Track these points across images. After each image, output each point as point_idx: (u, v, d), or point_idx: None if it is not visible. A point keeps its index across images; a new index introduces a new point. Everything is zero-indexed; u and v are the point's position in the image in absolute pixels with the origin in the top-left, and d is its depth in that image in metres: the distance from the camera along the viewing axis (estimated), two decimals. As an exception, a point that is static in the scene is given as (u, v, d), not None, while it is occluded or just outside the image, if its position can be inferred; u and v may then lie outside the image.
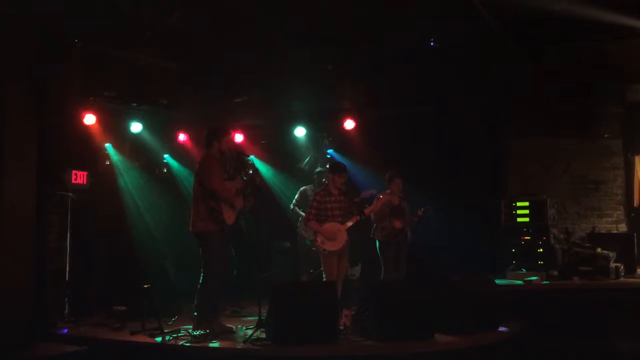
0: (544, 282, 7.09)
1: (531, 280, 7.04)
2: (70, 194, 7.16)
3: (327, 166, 8.63)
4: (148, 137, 8.78)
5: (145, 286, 6.36)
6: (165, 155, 9.31)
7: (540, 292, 6.87)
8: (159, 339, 5.72)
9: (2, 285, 5.89)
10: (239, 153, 6.70)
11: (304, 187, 8.38)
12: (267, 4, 6.13)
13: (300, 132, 9.45)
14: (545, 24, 6.64)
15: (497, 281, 6.79)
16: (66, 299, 6.87)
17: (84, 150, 7.76)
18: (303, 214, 7.75)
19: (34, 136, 6.33)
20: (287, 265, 8.85)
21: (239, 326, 5.79)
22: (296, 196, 8.31)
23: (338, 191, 6.66)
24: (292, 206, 8.37)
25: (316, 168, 8.83)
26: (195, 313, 5.95)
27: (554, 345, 5.93)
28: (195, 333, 5.70)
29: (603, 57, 7.61)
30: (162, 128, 8.96)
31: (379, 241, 7.43)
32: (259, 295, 6.07)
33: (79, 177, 7.27)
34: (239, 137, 9.32)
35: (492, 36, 6.70)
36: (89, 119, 7.70)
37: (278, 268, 8.70)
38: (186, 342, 5.55)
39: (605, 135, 8.26)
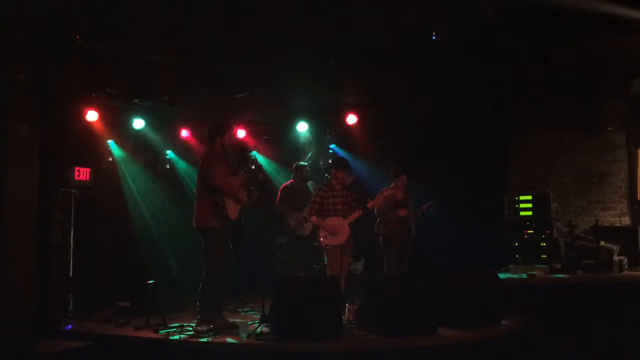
0: (548, 276, 7.08)
1: (534, 274, 7.04)
2: (74, 191, 7.18)
3: (330, 161, 8.64)
4: (150, 134, 8.80)
5: (149, 282, 6.38)
6: (168, 152, 9.32)
7: (543, 285, 6.86)
8: (162, 334, 5.74)
9: (6, 282, 5.92)
10: (241, 149, 6.72)
11: (284, 183, 8.26)
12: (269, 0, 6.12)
13: (302, 127, 9.45)
14: (547, 17, 6.61)
15: (500, 275, 6.79)
16: (70, 296, 6.89)
17: (87, 147, 7.78)
18: (292, 211, 7.73)
19: (36, 133, 6.35)
20: (290, 261, 8.85)
21: (243, 321, 5.80)
22: (279, 194, 8.17)
23: (340, 186, 6.66)
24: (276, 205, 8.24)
25: (319, 162, 8.83)
26: (199, 308, 5.96)
27: (557, 339, 5.93)
28: (199, 328, 5.72)
29: (606, 50, 7.57)
30: (165, 124, 8.98)
31: (382, 236, 7.44)
32: (263, 291, 6.09)
33: (82, 174, 7.29)
34: (241, 133, 9.34)
35: (494, 31, 6.68)
36: (92, 116, 7.73)
37: (282, 263, 8.71)
38: (190, 338, 5.58)
39: (609, 129, 8.23)
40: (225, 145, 6.16)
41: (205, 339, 5.52)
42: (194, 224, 6.06)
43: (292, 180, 8.08)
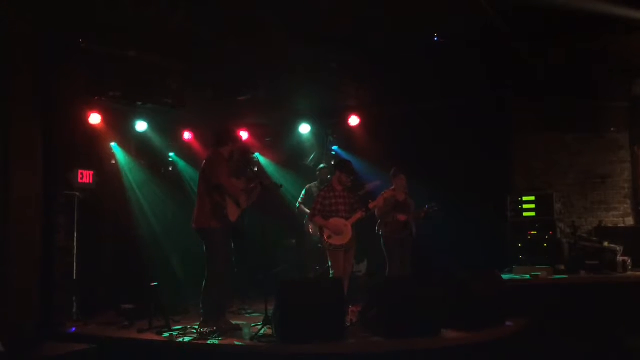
0: (551, 277, 7.07)
1: (538, 275, 7.03)
2: (77, 194, 7.21)
3: (332, 163, 8.67)
4: (153, 136, 8.81)
5: (153, 284, 6.40)
6: (171, 154, 9.33)
7: (547, 286, 6.85)
8: (166, 337, 5.75)
9: (10, 285, 5.93)
10: (244, 151, 6.75)
11: (309, 185, 8.42)
12: (271, 2, 6.13)
13: (305, 129, 9.46)
14: (549, 17, 6.61)
15: (503, 276, 6.78)
16: (74, 298, 6.91)
17: (90, 149, 7.82)
18: (309, 211, 7.76)
19: (40, 136, 6.36)
20: (293, 263, 8.87)
21: (246, 323, 5.81)
22: (302, 194, 8.34)
23: (342, 187, 6.68)
24: (297, 204, 8.40)
25: (320, 164, 8.85)
26: (202, 310, 5.97)
27: (561, 340, 5.92)
28: (202, 330, 5.73)
29: (608, 50, 7.56)
30: (168, 127, 8.99)
31: (383, 237, 7.43)
32: (266, 293, 6.09)
33: (85, 177, 7.31)
34: (244, 135, 9.34)
35: (496, 32, 6.68)
36: (95, 119, 7.76)
37: (284, 265, 8.72)
38: (193, 340, 5.59)
39: (612, 129, 8.22)
40: (233, 152, 6.21)
41: (208, 341, 5.52)
42: (192, 225, 6.07)
43: (317, 182, 8.27)
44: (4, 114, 6.12)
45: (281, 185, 6.80)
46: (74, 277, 7.05)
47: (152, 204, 8.70)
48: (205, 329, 5.73)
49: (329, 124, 9.66)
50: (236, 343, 5.49)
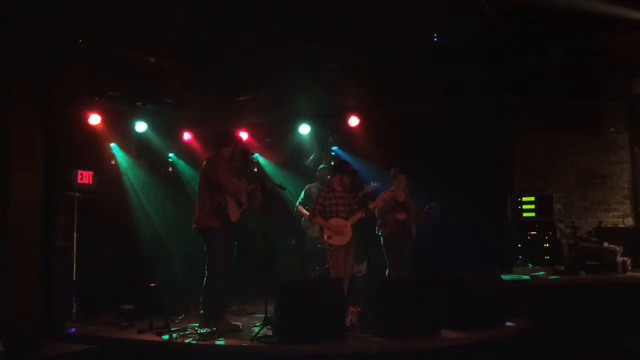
0: (551, 277, 7.07)
1: (538, 276, 7.03)
2: (77, 194, 7.20)
3: (332, 164, 8.68)
4: (153, 137, 8.82)
5: (152, 285, 6.39)
6: (171, 154, 9.33)
7: (547, 287, 6.85)
8: (166, 338, 5.75)
9: (10, 285, 5.93)
10: (243, 151, 6.75)
11: (308, 185, 8.41)
12: (271, 2, 6.13)
13: (304, 129, 9.45)
14: (549, 19, 6.60)
15: (503, 277, 6.78)
16: (74, 299, 6.91)
17: (90, 150, 7.82)
18: (307, 212, 7.77)
19: (40, 137, 6.37)
20: (293, 263, 8.87)
21: (246, 323, 5.80)
22: (301, 195, 8.33)
23: (342, 188, 6.69)
24: (296, 205, 8.37)
25: (320, 165, 8.86)
26: (202, 311, 5.97)
27: (560, 341, 5.92)
28: (202, 331, 5.72)
29: (608, 50, 7.55)
30: (167, 127, 8.99)
31: (383, 238, 7.43)
32: (266, 293, 6.09)
33: (85, 177, 7.31)
34: (244, 135, 9.34)
35: (496, 33, 6.67)
36: (94, 119, 7.77)
37: (284, 266, 8.72)
38: (193, 340, 5.58)
39: (611, 129, 8.22)
40: (233, 153, 6.21)
41: (208, 342, 5.52)
42: (193, 225, 6.07)
43: (317, 183, 8.28)
44: (4, 114, 6.13)
45: (284, 187, 6.81)
46: (74, 277, 7.04)
47: (152, 204, 8.70)
48: (204, 330, 5.73)
49: (329, 124, 9.66)
50: (236, 344, 5.49)
